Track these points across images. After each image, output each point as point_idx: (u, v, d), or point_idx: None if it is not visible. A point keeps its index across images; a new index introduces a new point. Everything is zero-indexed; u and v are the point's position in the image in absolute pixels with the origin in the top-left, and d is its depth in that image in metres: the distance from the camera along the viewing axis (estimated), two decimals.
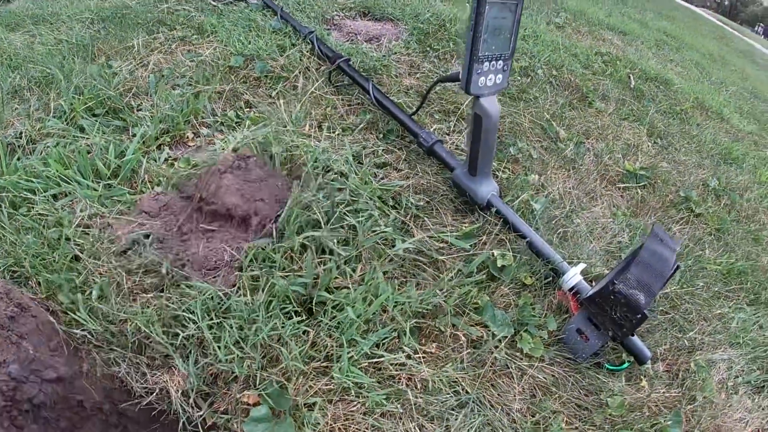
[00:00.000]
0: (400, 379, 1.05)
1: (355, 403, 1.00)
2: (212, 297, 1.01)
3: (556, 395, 1.07)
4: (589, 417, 1.05)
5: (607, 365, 1.15)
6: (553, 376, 1.11)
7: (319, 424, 0.97)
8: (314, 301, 1.07)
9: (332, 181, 1.22)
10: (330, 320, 1.05)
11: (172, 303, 1.01)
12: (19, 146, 1.37)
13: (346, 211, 1.18)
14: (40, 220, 1.14)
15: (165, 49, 1.69)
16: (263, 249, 1.09)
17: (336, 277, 1.08)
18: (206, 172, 1.15)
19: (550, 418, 1.04)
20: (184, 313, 0.98)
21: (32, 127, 1.39)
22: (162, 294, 1.05)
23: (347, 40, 2.02)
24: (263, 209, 1.16)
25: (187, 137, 1.32)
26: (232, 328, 0.99)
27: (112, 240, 1.09)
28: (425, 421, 1.01)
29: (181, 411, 1.00)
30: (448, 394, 1.04)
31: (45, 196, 1.18)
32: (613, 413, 1.05)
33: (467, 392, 1.04)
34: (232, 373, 1.01)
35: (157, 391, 1.01)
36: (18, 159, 1.25)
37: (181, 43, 1.73)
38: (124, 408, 1.09)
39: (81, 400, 1.01)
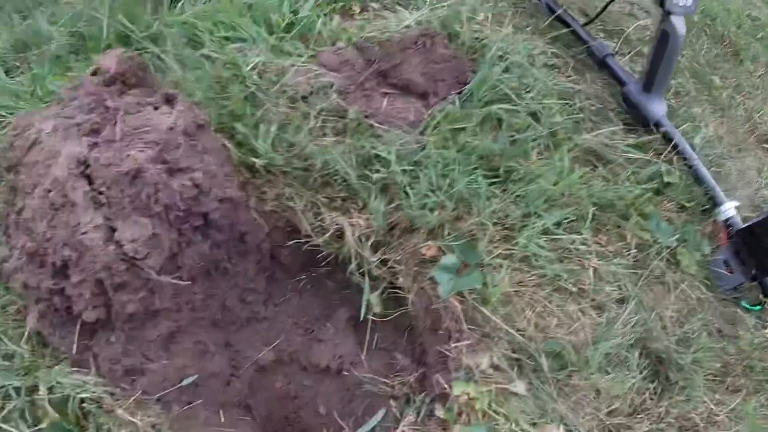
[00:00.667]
0: (574, 260, 1.02)
1: (532, 273, 0.98)
2: (405, 144, 1.00)
3: (700, 314, 1.09)
4: (725, 345, 1.08)
5: (744, 302, 1.17)
6: (699, 297, 1.12)
7: (498, 285, 0.94)
8: (501, 169, 1.03)
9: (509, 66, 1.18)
10: (518, 189, 1.01)
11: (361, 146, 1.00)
12: None
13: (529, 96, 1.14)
14: (210, 59, 1.17)
15: None
16: (449, 113, 1.07)
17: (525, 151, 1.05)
18: (391, 41, 1.14)
19: (696, 332, 1.05)
20: (382, 153, 0.97)
21: None
22: (345, 138, 1.04)
23: None
24: (443, 89, 1.15)
25: (354, 10, 1.33)
26: (427, 176, 0.96)
27: (290, 84, 1.10)
28: (588, 306, 1.02)
29: (353, 255, 0.99)
30: (613, 287, 1.05)
31: (213, 39, 1.20)
32: (743, 347, 1.08)
33: (628, 290, 1.05)
34: (411, 223, 0.99)
35: (331, 232, 1.00)
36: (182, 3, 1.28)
37: None
38: (278, 251, 1.09)
39: (244, 233, 1.02)
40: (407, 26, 1.17)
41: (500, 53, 1.23)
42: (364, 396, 1.05)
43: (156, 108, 0.95)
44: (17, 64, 1.31)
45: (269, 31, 1.16)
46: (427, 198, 0.96)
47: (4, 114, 1.14)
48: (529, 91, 1.16)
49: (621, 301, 1.05)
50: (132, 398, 0.92)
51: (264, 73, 1.10)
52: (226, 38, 1.17)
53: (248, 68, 1.10)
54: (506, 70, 1.17)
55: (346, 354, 1.06)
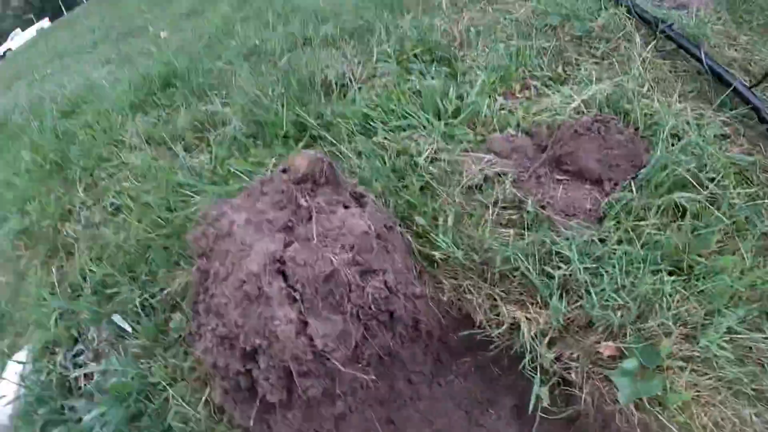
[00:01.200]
0: (754, 360, 0.93)
1: (711, 375, 0.91)
2: (585, 238, 0.95)
3: None
4: None
5: None
6: None
7: (677, 392, 0.88)
8: (684, 263, 0.96)
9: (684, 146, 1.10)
10: (702, 284, 0.95)
11: (542, 241, 0.97)
12: (342, 84, 1.44)
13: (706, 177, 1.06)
14: (382, 147, 1.17)
15: (475, 8, 1.70)
16: (626, 203, 1.01)
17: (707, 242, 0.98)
18: (563, 126, 1.10)
19: None
20: (563, 251, 0.93)
21: (354, 69, 1.46)
22: (523, 231, 1.00)
23: (654, 5, 1.86)
24: (618, 174, 1.09)
25: (515, 89, 1.29)
26: (609, 275, 0.91)
27: (461, 173, 1.08)
28: (764, 410, 0.91)
29: (527, 349, 0.96)
30: None
31: (385, 127, 1.21)
32: None
33: None
34: (589, 321, 0.94)
35: (506, 326, 0.98)
36: (345, 94, 1.30)
37: (489, 3, 1.73)
38: (447, 337, 1.08)
39: (418, 321, 1.01)
40: (576, 108, 1.12)
41: (672, 131, 1.15)
42: None
43: (346, 207, 0.97)
44: (196, 143, 1.37)
45: (437, 117, 1.14)
46: (609, 298, 0.91)
47: (188, 192, 1.20)
48: (706, 172, 1.07)
49: None
50: None
51: (436, 161, 1.09)
52: (398, 126, 1.16)
53: (422, 157, 1.09)
54: (681, 150, 1.08)
55: None
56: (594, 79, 1.17)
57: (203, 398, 1.02)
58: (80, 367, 1.21)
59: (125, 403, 1.08)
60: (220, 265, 0.95)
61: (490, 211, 1.02)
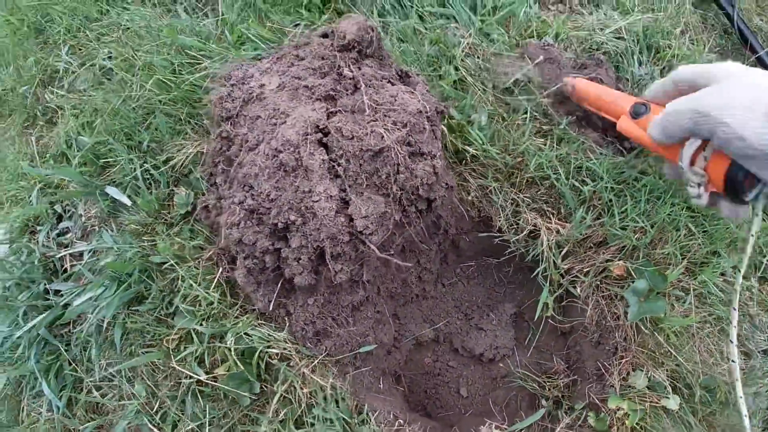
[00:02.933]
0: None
1: (704, 311, 1.00)
2: (615, 164, 0.97)
3: None
4: None
5: None
6: None
7: (676, 316, 0.94)
8: None
9: None
10: (709, 226, 1.01)
11: (573, 154, 0.97)
12: None
13: None
14: (415, 32, 1.10)
15: None
16: None
17: None
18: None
19: None
20: (592, 167, 0.94)
21: None
22: (554, 143, 1.00)
23: None
24: None
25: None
26: (635, 198, 0.94)
27: (496, 73, 1.05)
28: (740, 352, 1.01)
29: (542, 260, 0.98)
30: (764, 337, 1.03)
31: (422, 11, 1.13)
32: None
33: None
34: (605, 240, 0.97)
35: (525, 233, 0.98)
36: None
37: None
38: (459, 238, 1.08)
39: (439, 217, 0.99)
40: (614, 32, 1.11)
41: None
42: (509, 388, 1.07)
43: (392, 84, 0.89)
44: (200, 6, 1.20)
45: (473, 12, 1.08)
46: (630, 219, 0.94)
47: (194, 55, 1.06)
48: None
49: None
50: (318, 359, 0.91)
51: (471, 57, 1.04)
52: (433, 13, 1.09)
53: (458, 49, 1.03)
54: None
55: (501, 346, 1.07)
56: (629, 8, 1.15)
57: (215, 279, 0.94)
58: (66, 246, 1.08)
59: (123, 285, 0.97)
60: (248, 132, 0.86)
61: (524, 116, 0.99)
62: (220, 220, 0.87)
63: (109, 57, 1.16)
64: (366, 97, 0.83)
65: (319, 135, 0.84)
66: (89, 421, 0.98)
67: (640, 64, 1.09)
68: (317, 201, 0.80)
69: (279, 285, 0.89)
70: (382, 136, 0.81)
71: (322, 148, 0.83)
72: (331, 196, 0.81)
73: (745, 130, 0.55)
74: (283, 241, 0.85)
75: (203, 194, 0.97)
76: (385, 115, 0.83)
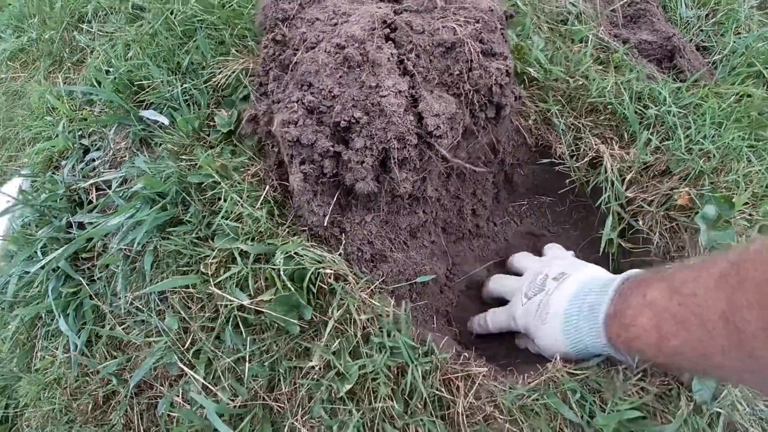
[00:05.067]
0: None
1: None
2: (678, 89, 0.90)
3: None
4: None
5: None
6: None
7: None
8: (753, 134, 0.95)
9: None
10: None
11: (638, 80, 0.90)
12: None
13: None
14: None
15: None
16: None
17: None
18: None
19: None
20: (658, 90, 0.87)
21: None
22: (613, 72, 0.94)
23: None
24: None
25: None
26: (698, 123, 0.87)
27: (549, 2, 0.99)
28: None
29: (607, 185, 0.89)
30: None
31: None
32: None
33: None
34: (668, 168, 0.90)
35: (588, 158, 0.90)
36: None
37: None
38: (513, 170, 0.99)
39: (496, 142, 0.91)
40: None
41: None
42: None
43: None
44: None
45: None
46: (696, 142, 0.86)
47: None
48: None
49: None
50: (375, 284, 0.79)
51: None
52: None
53: None
54: (755, 41, 1.07)
55: None
56: None
57: (262, 196, 0.83)
58: (94, 177, 0.96)
59: (156, 207, 0.85)
60: (308, 32, 0.78)
61: (581, 44, 0.93)
62: (273, 127, 0.77)
63: None
64: None
65: (387, 30, 0.76)
66: (110, 359, 0.83)
67: (686, 6, 1.05)
68: (385, 96, 0.71)
69: (336, 196, 0.78)
70: (455, 30, 0.73)
71: (390, 43, 0.75)
72: (400, 91, 0.72)
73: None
74: (343, 144, 0.75)
75: (251, 108, 0.87)
76: (455, 13, 0.76)
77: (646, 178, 0.91)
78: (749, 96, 0.96)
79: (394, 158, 0.74)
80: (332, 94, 0.74)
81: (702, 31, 1.10)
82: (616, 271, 0.76)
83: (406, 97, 0.73)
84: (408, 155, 0.75)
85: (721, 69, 1.04)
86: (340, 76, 0.74)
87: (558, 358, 0.74)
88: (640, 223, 0.91)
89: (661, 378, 0.78)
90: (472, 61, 0.74)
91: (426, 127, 0.73)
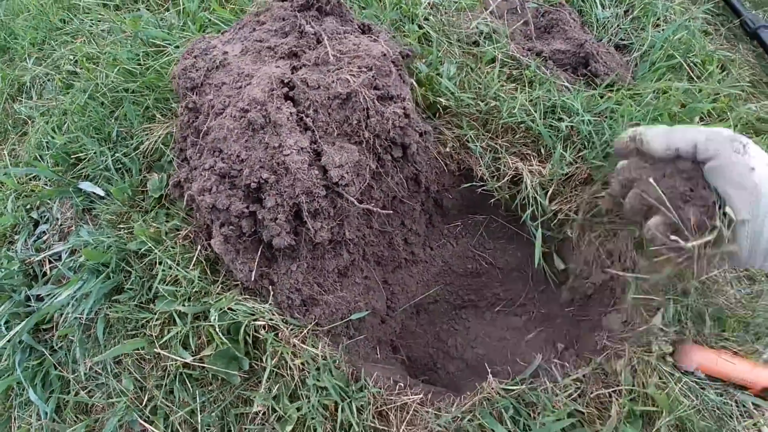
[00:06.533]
0: None
1: None
2: (591, 96, 0.88)
3: None
4: None
5: None
6: None
7: None
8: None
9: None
10: None
11: (546, 95, 0.88)
12: None
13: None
14: None
15: None
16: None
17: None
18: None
19: None
20: (569, 102, 0.85)
21: None
22: (525, 87, 0.92)
23: None
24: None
25: None
26: (612, 129, 0.85)
27: (459, 27, 0.97)
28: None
29: (529, 203, 0.88)
30: None
31: None
32: None
33: None
34: (590, 175, 0.88)
35: (508, 177, 0.89)
36: None
37: None
38: (441, 195, 0.98)
39: (417, 173, 0.90)
40: None
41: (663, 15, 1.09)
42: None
43: (355, 36, 0.81)
44: (161, 2, 1.14)
45: None
46: (611, 149, 0.85)
47: (160, 43, 0.98)
48: (692, 57, 1.03)
49: None
50: (307, 328, 0.80)
51: (433, 16, 0.96)
52: None
53: (419, 8, 0.96)
54: (673, 32, 1.03)
55: (505, 299, 0.96)
56: None
57: (194, 257, 0.84)
58: (45, 250, 0.97)
59: (102, 276, 0.87)
60: (214, 98, 0.78)
61: (493, 64, 0.91)
62: (192, 191, 0.78)
63: (75, 61, 1.08)
64: (329, 48, 0.75)
65: (285, 89, 0.76)
66: (78, 423, 0.85)
67: (603, 6, 1.02)
68: (288, 155, 0.71)
69: (259, 252, 0.79)
70: (349, 81, 0.73)
71: (289, 102, 0.75)
72: (302, 148, 0.72)
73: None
74: (257, 203, 0.76)
75: (174, 175, 0.88)
76: (350, 62, 0.75)
77: (569, 188, 0.90)
78: (665, 92, 0.93)
79: (306, 211, 0.74)
80: (240, 158, 0.74)
81: (621, 29, 1.06)
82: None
83: (308, 152, 0.73)
84: (319, 206, 0.75)
85: (641, 65, 1.01)
86: (246, 140, 0.74)
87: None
88: (569, 232, 0.90)
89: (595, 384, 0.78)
90: (368, 108, 0.74)
91: (331, 179, 0.73)
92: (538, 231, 0.89)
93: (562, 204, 0.90)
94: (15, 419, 0.93)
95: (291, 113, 0.73)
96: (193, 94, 0.82)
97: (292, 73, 0.76)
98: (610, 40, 1.05)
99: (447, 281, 0.98)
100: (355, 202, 0.74)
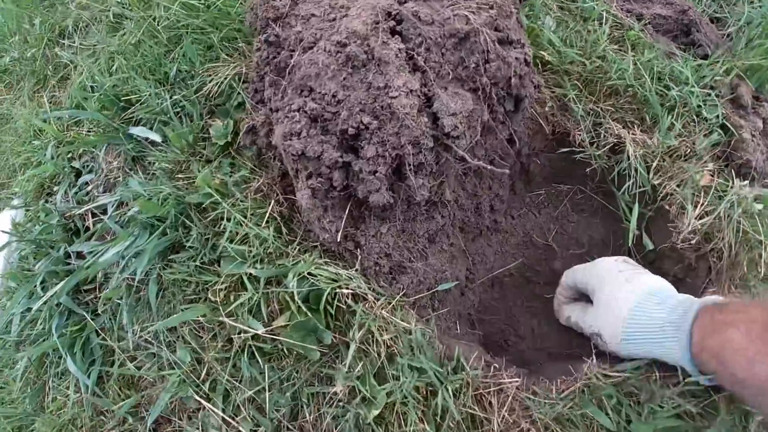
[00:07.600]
0: None
1: None
2: (698, 66, 0.79)
3: None
4: None
5: None
6: None
7: None
8: None
9: None
10: None
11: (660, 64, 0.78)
12: None
13: None
14: None
15: None
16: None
17: None
18: None
19: None
20: (680, 69, 0.75)
21: None
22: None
23: None
24: None
25: None
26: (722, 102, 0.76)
27: None
28: None
29: (633, 171, 0.78)
30: None
31: None
32: None
33: None
34: (693, 150, 0.79)
35: (609, 145, 0.79)
36: None
37: None
38: (529, 160, 0.87)
39: (512, 132, 0.79)
40: None
41: None
42: None
43: None
44: None
45: None
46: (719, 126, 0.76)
47: None
48: None
49: None
50: (395, 299, 0.68)
51: None
52: None
53: None
54: None
55: None
56: None
57: (267, 212, 0.71)
58: (88, 202, 0.84)
59: (157, 232, 0.74)
60: (304, 30, 0.65)
61: (593, 22, 0.81)
62: (273, 138, 0.65)
63: (122, 4, 0.94)
64: None
65: (392, 23, 0.64)
66: (123, 397, 0.73)
67: None
68: (396, 97, 0.60)
69: (348, 210, 0.67)
70: (468, 18, 0.61)
71: (396, 37, 0.63)
72: (411, 90, 0.60)
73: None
74: (353, 153, 0.63)
75: (248, 117, 0.75)
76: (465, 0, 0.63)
77: (669, 162, 0.80)
78: None
79: (409, 164, 0.63)
80: (336, 99, 0.62)
81: (714, 1, 0.97)
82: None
83: (419, 96, 0.62)
84: (424, 160, 0.64)
85: (737, 41, 0.92)
86: (344, 78, 0.62)
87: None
88: (672, 209, 0.80)
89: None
90: (488, 51, 0.62)
91: (442, 129, 0.62)
92: (635, 206, 0.79)
93: (663, 179, 0.80)
94: (50, 390, 0.79)
95: (400, 49, 0.62)
96: (275, 25, 0.69)
97: (400, 5, 0.64)
98: (704, 11, 0.95)
99: (526, 254, 0.88)
100: (467, 157, 0.63)
